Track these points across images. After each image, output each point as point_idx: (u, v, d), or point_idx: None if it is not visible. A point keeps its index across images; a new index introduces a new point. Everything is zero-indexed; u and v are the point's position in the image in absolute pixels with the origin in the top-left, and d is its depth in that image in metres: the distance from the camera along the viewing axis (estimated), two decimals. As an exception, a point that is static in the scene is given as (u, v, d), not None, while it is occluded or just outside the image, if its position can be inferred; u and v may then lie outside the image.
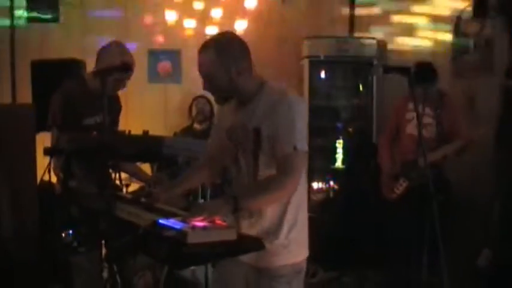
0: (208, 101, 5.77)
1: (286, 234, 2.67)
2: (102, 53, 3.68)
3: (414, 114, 4.83)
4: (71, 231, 3.44)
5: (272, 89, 2.69)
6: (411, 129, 4.84)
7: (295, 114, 2.57)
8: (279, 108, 2.57)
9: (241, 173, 2.72)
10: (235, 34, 2.78)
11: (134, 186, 4.45)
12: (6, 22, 5.99)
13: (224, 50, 2.59)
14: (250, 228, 2.65)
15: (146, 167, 4.65)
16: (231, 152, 2.74)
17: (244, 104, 2.69)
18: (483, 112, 5.03)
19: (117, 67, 2.72)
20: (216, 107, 2.88)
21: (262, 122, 2.59)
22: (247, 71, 2.65)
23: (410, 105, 4.85)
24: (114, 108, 3.84)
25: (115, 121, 3.86)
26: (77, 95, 3.62)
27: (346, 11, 6.77)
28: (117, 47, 3.72)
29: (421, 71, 4.44)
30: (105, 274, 3.58)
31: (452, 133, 4.63)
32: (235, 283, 2.80)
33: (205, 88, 2.67)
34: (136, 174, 4.09)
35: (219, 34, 2.78)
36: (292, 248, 2.69)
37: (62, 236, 3.46)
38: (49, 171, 3.34)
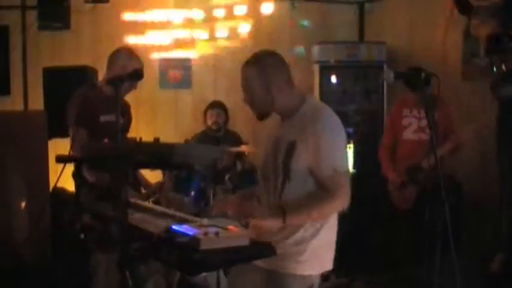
0: (224, 109, 5.79)
1: (301, 241, 2.63)
2: (112, 59, 3.74)
3: (410, 119, 4.93)
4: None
5: (313, 104, 2.73)
6: (409, 134, 4.92)
7: (331, 133, 2.59)
8: (317, 127, 2.57)
9: (267, 184, 2.73)
10: (276, 53, 2.83)
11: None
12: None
13: (265, 67, 2.67)
14: (267, 232, 2.62)
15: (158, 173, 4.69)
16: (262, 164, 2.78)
17: (285, 118, 2.73)
18: (494, 115, 5.01)
19: (129, 74, 2.73)
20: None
21: (297, 137, 2.60)
22: (288, 87, 2.70)
23: (405, 112, 4.93)
24: (126, 117, 3.89)
25: (127, 129, 3.90)
26: (91, 96, 3.72)
27: (355, 15, 6.78)
28: (127, 52, 3.76)
29: (415, 76, 4.45)
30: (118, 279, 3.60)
31: (447, 133, 4.68)
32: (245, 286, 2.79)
33: (245, 101, 2.73)
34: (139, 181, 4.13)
35: (261, 52, 2.81)
36: (306, 259, 2.65)
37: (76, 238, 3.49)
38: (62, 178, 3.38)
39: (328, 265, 2.77)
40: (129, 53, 3.80)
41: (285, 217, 2.49)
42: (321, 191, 2.57)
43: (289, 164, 2.60)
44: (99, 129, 3.62)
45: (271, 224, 2.54)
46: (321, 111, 2.67)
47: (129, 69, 3.48)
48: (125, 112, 3.83)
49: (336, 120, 2.66)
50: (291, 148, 2.59)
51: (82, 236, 3.48)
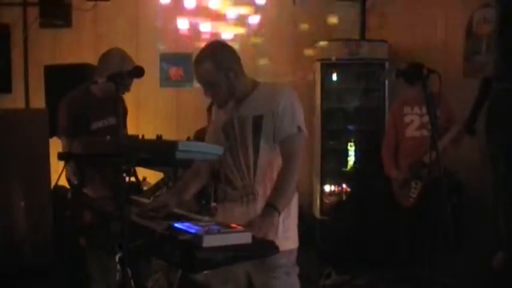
0: None
1: (283, 219, 2.73)
2: (106, 60, 3.64)
3: (412, 117, 4.95)
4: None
5: (267, 84, 2.89)
6: (411, 131, 4.94)
7: (294, 101, 2.76)
8: (279, 97, 2.74)
9: (239, 166, 2.82)
10: (223, 41, 3.02)
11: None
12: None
13: (220, 57, 2.76)
14: (243, 216, 2.70)
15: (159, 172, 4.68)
16: (226, 148, 2.82)
17: (240, 101, 2.83)
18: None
19: (131, 71, 2.72)
20: (213, 108, 2.99)
21: (263, 110, 2.75)
22: (242, 73, 2.83)
23: (406, 109, 4.95)
24: (121, 111, 3.84)
25: (123, 124, 3.86)
26: (81, 102, 3.60)
27: (357, 13, 6.77)
28: (120, 53, 3.70)
29: (415, 71, 4.45)
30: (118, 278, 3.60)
31: (448, 125, 4.70)
32: (236, 275, 2.85)
33: (207, 95, 2.82)
34: None
35: (209, 44, 2.91)
36: (289, 234, 2.79)
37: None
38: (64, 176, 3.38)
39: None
40: (122, 53, 3.75)
41: (279, 210, 2.59)
42: (283, 154, 2.73)
43: (258, 138, 2.76)
44: (91, 136, 3.55)
45: (276, 224, 2.60)
46: (277, 86, 2.95)
47: (124, 69, 3.32)
48: (119, 113, 3.76)
49: (294, 92, 2.83)
50: (258, 122, 2.76)
51: (82, 237, 3.50)
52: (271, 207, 2.58)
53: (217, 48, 2.83)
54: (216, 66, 2.73)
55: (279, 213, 2.59)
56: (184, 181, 3.04)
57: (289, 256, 2.81)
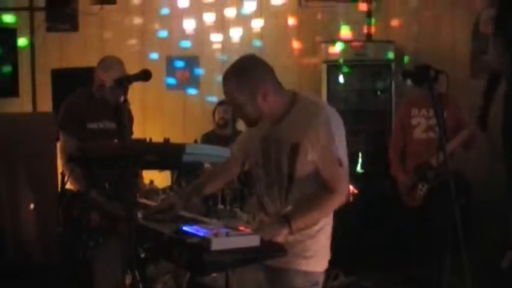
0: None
1: (307, 237, 2.62)
2: (105, 66, 3.83)
3: (419, 119, 4.95)
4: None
5: (305, 100, 2.64)
6: (419, 133, 4.93)
7: (334, 127, 2.55)
8: (317, 125, 2.53)
9: (271, 192, 2.70)
10: (254, 56, 2.74)
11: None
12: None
13: (245, 77, 2.55)
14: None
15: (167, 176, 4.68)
16: (258, 159, 2.72)
17: (277, 121, 2.65)
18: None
19: (138, 75, 2.73)
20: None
21: (301, 138, 2.55)
22: (274, 91, 2.59)
23: (414, 111, 4.94)
24: (124, 116, 3.90)
25: (129, 130, 3.91)
26: (80, 103, 3.82)
27: (363, 14, 6.77)
28: (116, 60, 3.86)
29: (422, 72, 4.44)
30: (127, 281, 3.61)
31: (458, 128, 4.68)
32: (248, 284, 2.78)
33: (235, 115, 2.70)
34: None
35: (240, 59, 2.69)
36: (311, 255, 2.64)
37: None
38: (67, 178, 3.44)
39: (327, 263, 2.75)
40: (118, 60, 3.87)
41: (291, 225, 2.45)
42: (323, 187, 2.55)
43: (294, 166, 2.58)
44: (86, 136, 3.69)
45: (282, 235, 2.47)
46: (317, 108, 2.61)
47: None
48: (120, 118, 3.85)
49: (334, 113, 2.62)
50: (295, 150, 2.56)
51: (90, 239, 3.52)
52: (284, 219, 2.47)
53: (246, 65, 2.61)
54: (240, 85, 2.54)
55: (290, 228, 2.45)
56: (201, 182, 2.92)
57: (305, 277, 2.64)
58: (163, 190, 4.21)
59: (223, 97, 2.75)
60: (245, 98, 2.55)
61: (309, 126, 2.53)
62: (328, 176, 2.54)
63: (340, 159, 2.53)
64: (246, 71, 2.57)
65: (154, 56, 6.32)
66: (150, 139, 3.27)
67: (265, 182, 2.72)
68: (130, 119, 3.89)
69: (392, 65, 6.14)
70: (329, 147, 2.52)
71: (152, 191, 4.09)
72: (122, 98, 2.60)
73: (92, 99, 3.82)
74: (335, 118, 2.60)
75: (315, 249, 2.65)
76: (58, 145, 3.89)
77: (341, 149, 2.55)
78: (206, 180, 2.94)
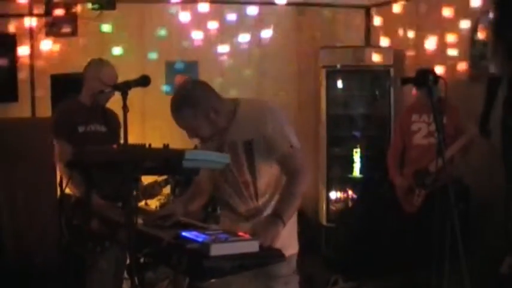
0: None
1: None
2: (96, 70, 3.85)
3: (420, 125, 4.95)
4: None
5: (246, 101, 2.85)
6: (419, 139, 4.93)
7: (282, 120, 2.73)
8: (266, 119, 2.71)
9: (240, 192, 2.82)
10: (189, 80, 3.00)
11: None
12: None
13: (196, 100, 2.69)
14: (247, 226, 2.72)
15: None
16: (221, 177, 2.83)
17: (226, 128, 2.78)
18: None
19: (137, 80, 2.73)
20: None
21: (252, 135, 2.71)
22: (219, 102, 2.75)
23: (414, 117, 4.94)
24: (113, 121, 3.98)
25: (117, 133, 3.94)
26: (69, 108, 3.89)
27: (362, 20, 6.79)
28: (105, 63, 3.90)
29: (421, 78, 4.45)
30: (126, 287, 3.61)
31: (457, 133, 4.67)
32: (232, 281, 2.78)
33: (191, 137, 2.80)
34: None
35: (181, 87, 2.90)
36: (286, 240, 2.73)
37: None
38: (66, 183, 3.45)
39: (297, 244, 2.93)
40: (107, 63, 3.91)
41: (284, 221, 2.56)
42: (287, 173, 2.72)
43: (253, 161, 2.74)
44: (78, 139, 3.72)
45: (280, 232, 2.57)
46: (261, 105, 2.84)
47: (114, 79, 3.72)
48: (109, 122, 3.90)
49: (278, 109, 2.80)
50: (250, 146, 2.72)
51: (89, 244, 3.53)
52: (277, 217, 2.57)
53: (191, 91, 2.75)
54: (194, 111, 2.68)
55: (284, 224, 2.56)
56: (190, 195, 3.05)
57: (289, 264, 2.77)
58: (165, 181, 4.23)
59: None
60: (201, 120, 2.70)
61: (257, 121, 2.71)
62: (286, 161, 2.70)
63: (290, 143, 2.70)
64: (193, 97, 2.70)
65: (153, 60, 6.32)
66: (150, 145, 3.27)
67: (231, 183, 2.83)
68: (118, 124, 3.92)
69: (391, 71, 6.15)
70: (280, 133, 2.69)
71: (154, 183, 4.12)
72: (121, 104, 2.59)
73: (80, 104, 3.89)
74: (278, 109, 2.80)
75: (289, 233, 2.79)
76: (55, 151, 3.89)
77: (289, 132, 2.72)
78: (195, 192, 3.05)
